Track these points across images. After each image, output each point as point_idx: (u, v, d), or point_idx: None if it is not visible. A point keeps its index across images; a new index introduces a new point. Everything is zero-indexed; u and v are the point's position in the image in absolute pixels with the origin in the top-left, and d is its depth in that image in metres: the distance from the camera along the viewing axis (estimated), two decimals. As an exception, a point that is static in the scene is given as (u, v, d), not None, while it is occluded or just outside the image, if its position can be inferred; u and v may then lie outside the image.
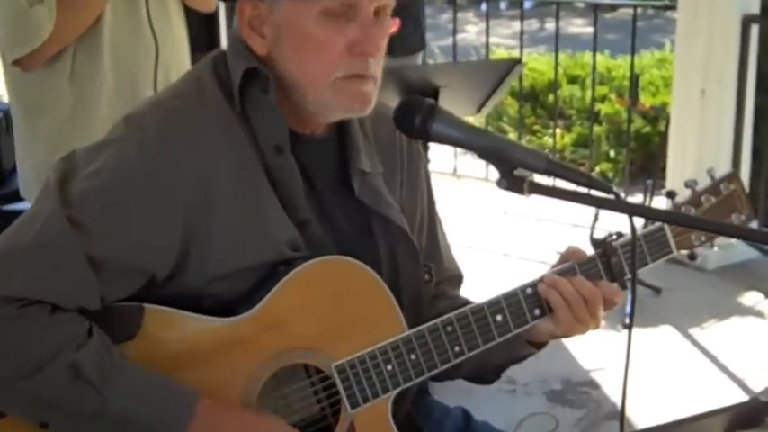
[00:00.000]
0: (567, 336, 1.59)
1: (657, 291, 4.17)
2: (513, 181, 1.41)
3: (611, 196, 1.38)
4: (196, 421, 1.37)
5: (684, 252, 1.70)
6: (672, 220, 1.58)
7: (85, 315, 1.38)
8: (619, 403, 1.51)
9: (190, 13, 2.72)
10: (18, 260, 1.36)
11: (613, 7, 13.38)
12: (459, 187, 5.68)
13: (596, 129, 6.26)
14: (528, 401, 3.33)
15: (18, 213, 1.48)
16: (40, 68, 2.40)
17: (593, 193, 1.39)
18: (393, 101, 1.53)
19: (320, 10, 1.41)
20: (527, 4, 12.89)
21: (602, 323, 3.05)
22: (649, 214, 1.50)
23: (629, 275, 1.59)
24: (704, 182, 1.71)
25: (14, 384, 1.33)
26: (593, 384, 3.45)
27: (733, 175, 1.75)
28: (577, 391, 3.42)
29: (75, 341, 1.34)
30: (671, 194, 1.69)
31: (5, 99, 3.88)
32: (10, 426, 1.38)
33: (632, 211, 1.41)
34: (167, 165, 1.39)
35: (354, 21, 1.42)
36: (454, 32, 6.09)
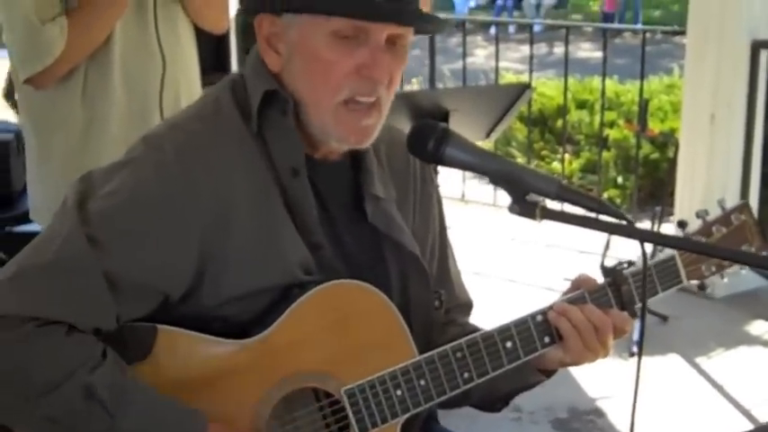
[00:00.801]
0: (576, 364, 1.59)
1: (664, 319, 4.16)
2: (524, 206, 1.42)
3: (623, 222, 1.38)
4: None
5: (694, 282, 1.71)
6: (684, 246, 1.58)
7: (100, 335, 1.38)
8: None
9: (200, 34, 2.74)
10: (37, 279, 1.36)
11: (621, 32, 13.45)
12: (468, 212, 5.68)
13: (605, 154, 6.27)
14: (533, 430, 3.31)
15: (27, 234, 1.49)
16: (51, 87, 2.42)
17: (605, 218, 1.39)
18: (404, 125, 1.54)
19: (332, 31, 1.42)
20: (536, 28, 12.99)
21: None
22: (660, 240, 1.49)
23: (638, 304, 1.58)
24: (715, 212, 1.72)
25: (28, 402, 1.33)
26: (599, 413, 3.43)
27: (744, 206, 1.76)
28: (583, 419, 3.40)
29: (90, 363, 1.34)
30: (682, 224, 1.70)
31: (16, 120, 3.91)
32: None
33: (643, 237, 1.42)
34: (184, 186, 1.40)
35: (365, 45, 1.43)
36: (464, 56, 6.12)
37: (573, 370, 1.73)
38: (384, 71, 1.45)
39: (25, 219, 4.32)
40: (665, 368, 3.79)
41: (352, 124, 1.46)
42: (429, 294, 1.60)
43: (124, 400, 1.34)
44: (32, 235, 1.44)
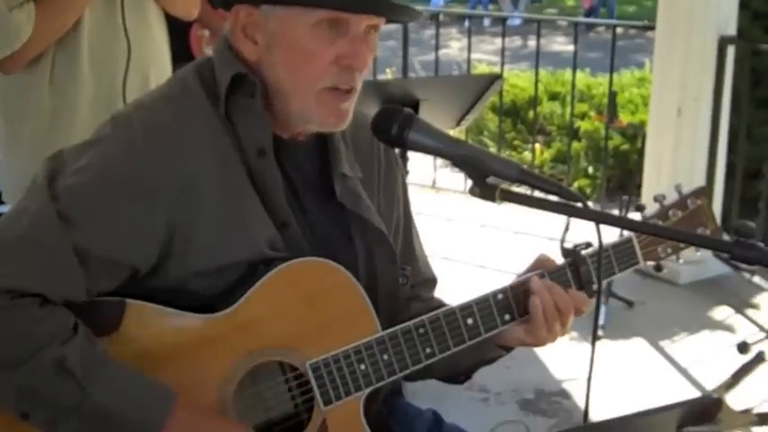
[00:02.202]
0: (535, 344, 1.63)
1: (630, 304, 4.24)
2: (485, 189, 1.46)
3: (579, 204, 1.43)
4: (172, 420, 1.41)
5: (651, 263, 1.76)
6: (637, 228, 1.63)
7: (71, 308, 1.41)
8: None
9: (172, 22, 2.76)
10: (9, 253, 1.40)
11: (592, 26, 13.53)
12: (438, 199, 5.74)
13: (575, 145, 6.35)
14: (500, 410, 3.36)
15: (-1, 215, 1.52)
16: (19, 72, 2.43)
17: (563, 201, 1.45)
18: (374, 112, 1.58)
19: (314, 22, 1.46)
20: (516, 21, 13.05)
21: (575, 334, 3.11)
22: (615, 222, 1.54)
23: (596, 284, 1.64)
24: (673, 197, 1.77)
25: None
26: (565, 394, 3.49)
27: (700, 191, 1.80)
28: (549, 400, 3.46)
29: (62, 336, 1.38)
30: (640, 208, 1.75)
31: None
32: None
33: (598, 218, 1.47)
34: (152, 163, 1.44)
35: (345, 36, 1.47)
36: (437, 47, 6.16)
37: (540, 352, 1.77)
38: (363, 61, 1.50)
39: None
40: (629, 351, 3.87)
41: (333, 108, 1.51)
42: (395, 270, 1.64)
43: (95, 372, 1.38)
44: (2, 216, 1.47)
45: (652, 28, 4.91)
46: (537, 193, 1.49)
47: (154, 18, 2.62)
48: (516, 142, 6.93)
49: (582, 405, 3.38)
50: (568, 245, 1.67)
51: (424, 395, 2.16)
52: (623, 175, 6.09)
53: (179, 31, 2.93)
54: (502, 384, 3.44)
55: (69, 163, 1.45)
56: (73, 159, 1.46)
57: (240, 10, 1.51)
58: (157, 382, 1.42)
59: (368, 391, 1.53)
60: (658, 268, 1.79)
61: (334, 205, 1.59)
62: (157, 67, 2.62)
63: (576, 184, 6.19)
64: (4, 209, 3.60)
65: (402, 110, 1.49)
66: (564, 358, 3.54)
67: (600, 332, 3.80)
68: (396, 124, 1.48)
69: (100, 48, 2.48)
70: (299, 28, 1.46)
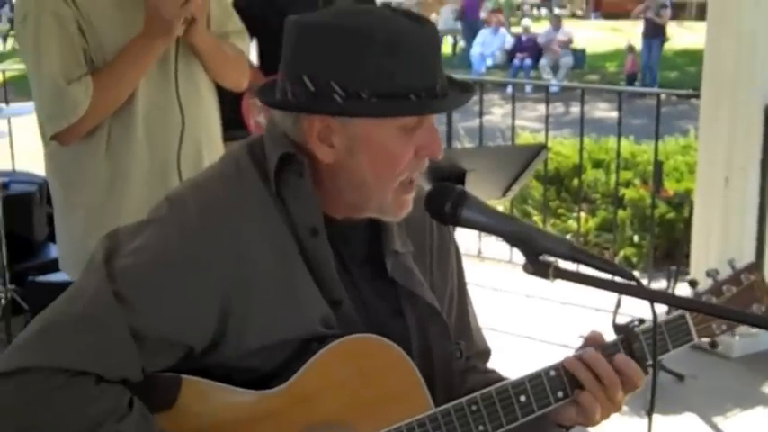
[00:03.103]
0: (588, 423, 1.62)
1: (680, 378, 4.16)
2: (538, 266, 1.47)
3: (633, 282, 1.43)
4: None
5: (706, 339, 1.74)
6: (691, 307, 1.62)
7: (126, 385, 1.43)
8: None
9: (223, 93, 2.82)
10: (65, 333, 1.42)
11: (634, 95, 13.53)
12: (483, 269, 5.72)
13: (620, 213, 6.30)
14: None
15: (50, 285, 1.55)
16: (76, 143, 2.51)
17: (616, 279, 1.45)
18: (421, 183, 1.60)
19: (399, 126, 1.49)
20: (554, 88, 13.13)
21: (625, 408, 3.04)
22: (669, 301, 1.54)
23: (650, 361, 1.62)
24: (726, 271, 1.76)
25: None
26: (617, 471, 3.42)
27: (753, 266, 1.79)
28: (601, 477, 3.39)
29: (118, 413, 1.39)
30: (693, 283, 1.74)
31: (39, 173, 4.00)
32: None
33: (653, 297, 1.47)
34: (207, 244, 1.46)
35: (420, 127, 1.51)
36: (480, 115, 6.21)
37: (591, 429, 1.74)
38: (439, 148, 1.54)
39: (48, 268, 4.41)
40: (681, 427, 3.79)
41: (404, 201, 1.55)
42: (449, 346, 1.64)
43: None
44: (55, 284, 1.50)
45: (697, 96, 4.90)
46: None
47: (205, 89, 2.69)
48: (561, 211, 6.90)
49: (634, 482, 3.33)
50: (621, 321, 1.67)
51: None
52: (670, 244, 6.03)
53: (231, 100, 3.00)
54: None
55: (125, 243, 1.48)
56: (129, 239, 1.48)
57: (314, 120, 1.50)
58: None
59: (421, 468, 1.52)
60: (713, 345, 1.77)
61: (386, 282, 1.60)
62: (208, 137, 2.69)
63: (621, 253, 6.13)
64: (59, 276, 3.66)
65: (455, 188, 1.52)
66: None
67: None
68: (449, 202, 1.50)
69: (154, 118, 2.55)
70: (384, 133, 1.49)
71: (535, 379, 1.58)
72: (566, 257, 1.46)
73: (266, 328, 1.47)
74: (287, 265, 1.50)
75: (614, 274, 1.46)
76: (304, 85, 1.47)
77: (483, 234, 6.18)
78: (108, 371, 1.41)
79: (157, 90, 2.55)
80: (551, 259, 1.47)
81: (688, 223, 4.80)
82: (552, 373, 1.59)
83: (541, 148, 3.53)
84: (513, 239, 1.50)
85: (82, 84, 2.44)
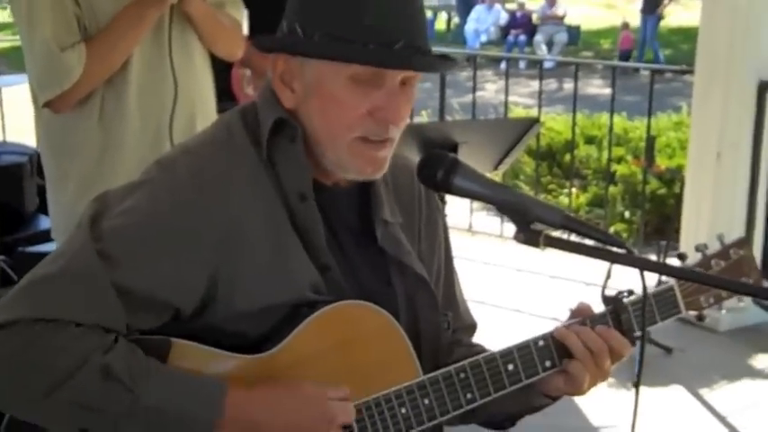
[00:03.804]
0: (576, 392, 1.63)
1: (668, 350, 4.19)
2: (529, 234, 1.47)
3: (623, 251, 1.44)
4: (230, 401, 1.41)
5: (693, 313, 1.75)
6: (682, 276, 1.63)
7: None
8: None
9: (217, 63, 2.81)
10: (49, 286, 1.42)
11: (628, 70, 13.52)
12: (474, 243, 5.72)
13: (612, 189, 6.32)
14: (538, 457, 3.33)
15: (40, 255, 1.55)
16: (69, 111, 2.49)
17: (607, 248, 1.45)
18: (413, 155, 1.59)
19: (349, 75, 1.47)
20: (548, 64, 13.09)
21: (612, 380, 3.06)
22: (660, 269, 1.54)
23: (638, 332, 1.63)
24: (715, 246, 1.77)
25: (50, 395, 1.38)
26: (604, 442, 3.46)
27: (742, 241, 1.80)
28: (587, 448, 3.43)
29: (103, 347, 1.40)
30: (682, 257, 1.75)
31: (31, 144, 3.98)
32: None
33: (643, 265, 1.47)
34: (196, 208, 1.46)
35: (380, 88, 1.48)
36: (474, 90, 6.20)
37: (578, 399, 1.75)
38: (398, 114, 1.50)
39: (38, 239, 4.40)
40: (668, 399, 3.82)
41: (369, 157, 1.51)
42: (437, 316, 1.64)
43: (141, 374, 1.39)
44: (45, 255, 1.49)
45: (690, 72, 4.90)
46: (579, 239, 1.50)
47: (199, 57, 2.67)
48: (552, 186, 6.92)
49: (620, 453, 3.36)
50: (610, 292, 1.67)
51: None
52: (660, 219, 6.05)
53: (221, 71, 2.98)
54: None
55: (113, 205, 1.48)
56: (117, 201, 1.48)
57: (279, 58, 1.53)
58: (207, 377, 1.43)
59: (408, 435, 1.53)
60: (701, 318, 1.78)
61: (375, 251, 1.60)
62: (202, 105, 2.68)
63: (612, 229, 6.15)
64: (46, 247, 3.66)
65: (447, 155, 1.51)
66: (602, 406, 3.50)
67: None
68: (441, 169, 1.49)
69: (148, 86, 2.54)
70: (334, 80, 1.48)
71: (523, 348, 1.59)
72: (558, 226, 1.46)
73: (255, 292, 1.47)
74: (276, 230, 1.50)
75: (606, 242, 1.46)
76: (282, 29, 1.51)
77: (474, 208, 6.21)
78: (90, 319, 1.41)
79: (151, 58, 2.54)
80: (542, 228, 1.47)
81: (679, 199, 4.82)
82: (541, 342, 1.60)
83: (534, 121, 3.53)
84: (506, 208, 1.49)
85: (75, 51, 2.43)
